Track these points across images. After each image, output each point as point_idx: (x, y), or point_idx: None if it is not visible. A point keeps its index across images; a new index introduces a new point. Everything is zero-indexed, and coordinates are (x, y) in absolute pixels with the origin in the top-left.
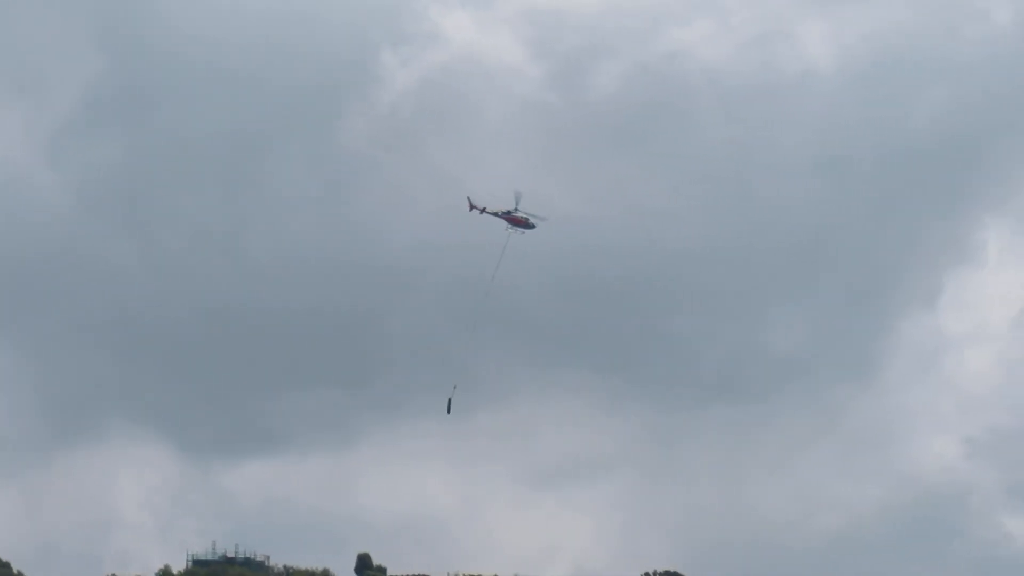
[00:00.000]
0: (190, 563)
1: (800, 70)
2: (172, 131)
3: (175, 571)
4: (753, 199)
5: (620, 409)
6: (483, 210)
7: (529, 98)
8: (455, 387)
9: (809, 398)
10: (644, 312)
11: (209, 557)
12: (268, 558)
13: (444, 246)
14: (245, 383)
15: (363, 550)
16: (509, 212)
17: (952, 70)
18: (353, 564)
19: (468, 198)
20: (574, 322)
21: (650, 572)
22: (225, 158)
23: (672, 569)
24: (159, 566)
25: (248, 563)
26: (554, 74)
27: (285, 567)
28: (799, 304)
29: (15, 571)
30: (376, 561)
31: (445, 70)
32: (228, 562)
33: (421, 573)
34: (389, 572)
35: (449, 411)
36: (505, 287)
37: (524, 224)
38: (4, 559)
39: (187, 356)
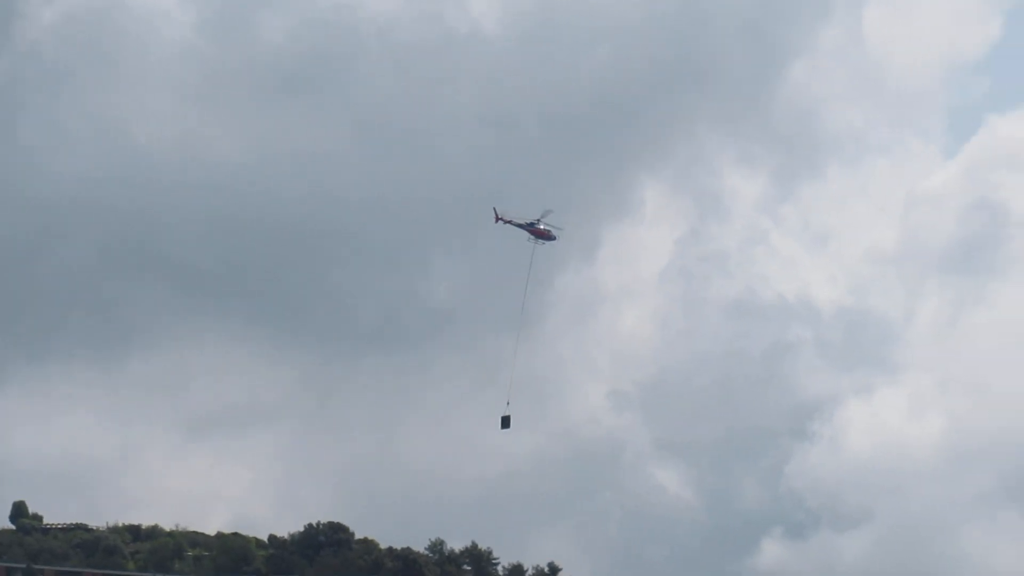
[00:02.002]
0: None
1: (468, 28)
2: None
3: None
4: (418, 152)
5: (278, 358)
6: (508, 221)
7: (182, 43)
8: (508, 403)
9: (466, 348)
10: (304, 260)
11: None
12: None
13: (99, 184)
14: None
15: (18, 498)
16: (532, 224)
17: (613, 32)
18: (8, 512)
19: (495, 209)
20: (232, 269)
21: (314, 523)
22: None
23: (336, 520)
24: None
25: None
26: (209, 19)
27: None
28: (459, 255)
29: None
30: (32, 509)
31: (90, 9)
32: None
33: (79, 522)
34: (46, 521)
35: (506, 426)
36: (160, 230)
37: (547, 236)
38: None
39: None
